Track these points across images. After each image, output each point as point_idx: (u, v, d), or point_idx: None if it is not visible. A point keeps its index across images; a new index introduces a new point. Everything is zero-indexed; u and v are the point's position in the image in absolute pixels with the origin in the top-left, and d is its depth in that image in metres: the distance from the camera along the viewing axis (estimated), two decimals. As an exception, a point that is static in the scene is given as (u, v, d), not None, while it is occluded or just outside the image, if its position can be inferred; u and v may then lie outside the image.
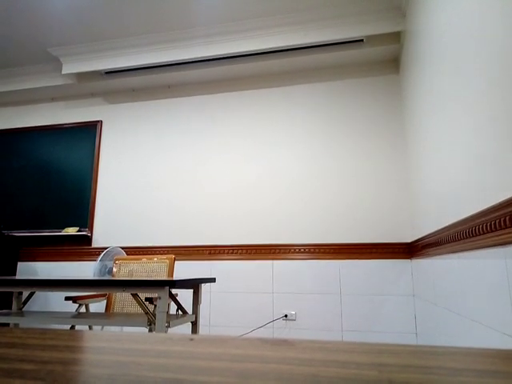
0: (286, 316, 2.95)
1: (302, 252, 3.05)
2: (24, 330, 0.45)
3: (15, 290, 2.03)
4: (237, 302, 3.08)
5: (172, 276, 2.43)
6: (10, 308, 3.14)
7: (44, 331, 0.46)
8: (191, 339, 0.41)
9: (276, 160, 3.28)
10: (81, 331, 0.46)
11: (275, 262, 3.08)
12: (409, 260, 2.86)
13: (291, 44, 3.05)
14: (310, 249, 3.05)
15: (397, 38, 2.98)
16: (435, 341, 2.20)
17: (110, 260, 3.00)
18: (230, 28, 3.14)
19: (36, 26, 3.14)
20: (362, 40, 3.00)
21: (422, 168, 2.41)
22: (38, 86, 3.72)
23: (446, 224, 1.84)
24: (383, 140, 3.12)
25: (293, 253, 3.07)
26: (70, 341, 0.41)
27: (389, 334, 2.77)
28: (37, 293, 3.45)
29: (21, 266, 3.55)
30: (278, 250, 3.10)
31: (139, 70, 3.43)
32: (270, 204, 3.21)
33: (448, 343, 1.89)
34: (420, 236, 2.52)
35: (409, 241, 2.89)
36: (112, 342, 0.40)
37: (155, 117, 3.65)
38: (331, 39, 2.99)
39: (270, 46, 3.08)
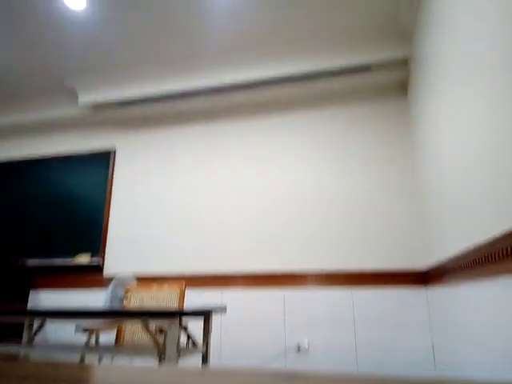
0: (298, 347, 2.87)
1: (314, 280, 3.01)
2: (37, 363, 0.46)
3: (26, 320, 2.03)
4: (248, 331, 3.01)
5: (183, 304, 2.40)
6: (21, 337, 3.12)
7: (56, 364, 0.46)
8: (202, 373, 0.41)
9: (285, 186, 3.29)
10: (92, 365, 0.46)
11: (286, 290, 3.03)
12: (424, 287, 2.79)
13: (299, 71, 3.12)
14: (322, 276, 3.00)
15: (404, 62, 3.03)
16: (455, 372, 2.11)
17: (121, 288, 2.99)
18: (238, 57, 3.25)
19: (52, 59, 3.28)
20: (369, 66, 3.06)
21: (435, 191, 2.39)
22: (53, 116, 3.85)
23: (461, 250, 1.80)
24: (393, 164, 3.12)
25: (304, 280, 3.02)
26: (82, 374, 0.41)
27: (405, 365, 2.66)
28: (48, 321, 3.44)
29: (33, 294, 3.56)
30: (289, 278, 3.06)
31: (151, 99, 3.53)
32: (281, 231, 3.19)
33: (468, 374, 1.82)
34: (435, 262, 2.47)
35: (423, 267, 2.83)
36: (123, 375, 0.40)
37: (166, 144, 3.72)
38: (339, 66, 3.06)
39: (278, 74, 3.16)
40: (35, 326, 2.18)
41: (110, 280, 3.16)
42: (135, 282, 3.04)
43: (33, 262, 3.62)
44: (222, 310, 2.11)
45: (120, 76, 3.50)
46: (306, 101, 3.48)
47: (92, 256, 3.54)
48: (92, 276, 3.51)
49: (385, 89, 3.31)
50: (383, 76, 3.15)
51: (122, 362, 2.74)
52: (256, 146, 3.48)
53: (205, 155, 3.59)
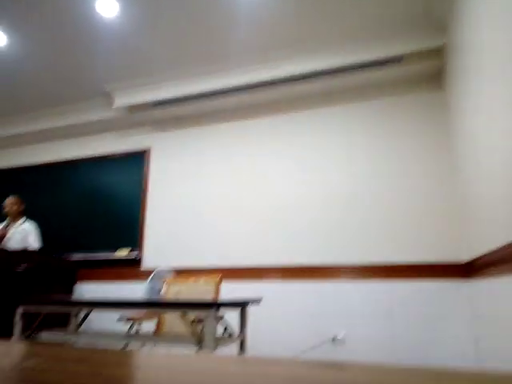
0: (334, 339, 2.86)
1: (351, 273, 2.98)
2: (86, 349, 0.49)
3: (73, 310, 2.15)
4: (283, 323, 3.03)
5: (218, 296, 2.45)
6: (65, 326, 3.30)
7: (104, 351, 0.49)
8: (243, 360, 0.42)
9: (322, 179, 3.26)
10: (137, 351, 0.48)
11: (322, 283, 3.02)
12: (464, 279, 2.69)
13: (331, 66, 3.07)
14: (358, 270, 2.96)
15: (438, 52, 2.91)
16: (498, 366, 2.03)
17: (159, 280, 3.09)
18: (269, 55, 3.23)
19: (88, 65, 3.40)
20: (401, 57, 2.95)
21: (474, 182, 2.29)
22: (91, 119, 4.01)
23: (504, 242, 1.72)
24: (431, 155, 3.01)
25: (341, 273, 3.00)
26: (128, 359, 0.43)
27: (446, 359, 2.59)
28: (92, 311, 3.62)
29: (77, 287, 3.75)
30: (324, 271, 3.04)
31: (184, 99, 3.59)
32: (318, 223, 3.18)
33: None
34: (477, 254, 2.37)
35: (464, 259, 2.73)
36: (167, 362, 0.42)
37: (199, 141, 3.78)
38: (370, 59, 2.98)
39: (310, 69, 3.12)
40: (81, 315, 2.30)
41: (148, 273, 3.27)
42: (173, 275, 3.13)
43: (76, 256, 3.81)
44: (258, 301, 2.14)
45: (154, 78, 3.58)
46: (336, 96, 3.42)
47: (131, 251, 3.67)
48: (131, 269, 3.65)
49: (418, 79, 3.19)
50: (416, 66, 3.04)
51: (162, 350, 2.84)
52: (289, 141, 3.46)
53: (237, 151, 3.61)
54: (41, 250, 3.53)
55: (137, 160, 3.97)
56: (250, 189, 3.47)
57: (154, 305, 1.74)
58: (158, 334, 2.31)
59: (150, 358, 0.45)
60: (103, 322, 3.53)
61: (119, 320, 2.19)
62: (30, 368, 0.37)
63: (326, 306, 2.96)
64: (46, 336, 2.01)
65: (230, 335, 2.05)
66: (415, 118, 3.13)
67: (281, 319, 3.05)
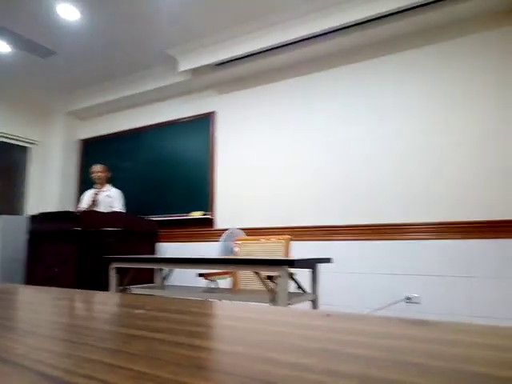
0: (408, 298, 2.81)
1: (424, 232, 2.85)
2: (181, 300, 0.54)
3: (157, 266, 2.36)
4: (354, 282, 3.05)
5: (288, 256, 2.52)
6: (153, 282, 3.64)
7: (202, 302, 0.54)
8: (328, 315, 0.44)
9: (393, 133, 3.09)
10: (219, 303, 0.52)
11: (394, 241, 2.95)
12: (559, 239, 2.44)
13: (396, 7, 2.79)
14: (433, 228, 2.83)
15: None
16: None
17: (232, 240, 3.24)
18: (329, 1, 3.02)
19: (153, 31, 3.48)
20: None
21: None
22: (159, 85, 4.15)
23: None
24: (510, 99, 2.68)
25: (414, 232, 2.89)
26: (217, 310, 0.47)
27: (534, 322, 2.43)
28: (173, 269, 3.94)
29: (158, 246, 4.09)
30: (397, 230, 2.95)
31: (246, 58, 3.56)
32: (389, 181, 3.05)
33: None
34: None
35: (559, 217, 2.47)
36: (255, 313, 0.45)
37: (264, 101, 3.75)
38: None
39: (375, 13, 2.87)
40: (165, 272, 2.52)
41: (220, 233, 3.44)
42: (244, 235, 3.26)
43: (154, 218, 4.11)
44: (329, 260, 2.16)
45: (215, 39, 3.56)
46: (402, 41, 3.13)
47: (204, 214, 3.87)
48: (204, 230, 3.87)
49: (492, 16, 2.78)
50: (489, 1, 2.65)
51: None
52: (355, 93, 3.29)
53: (303, 108, 3.53)
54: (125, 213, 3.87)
55: (203, 123, 4.07)
56: (316, 148, 3.40)
57: (230, 262, 1.85)
58: (233, 291, 2.46)
59: (244, 310, 0.48)
60: (183, 278, 3.84)
61: (199, 276, 2.37)
62: (141, 316, 0.42)
63: (400, 264, 2.90)
64: (135, 290, 2.25)
65: (303, 292, 2.12)
66: (490, 58, 2.77)
67: (353, 278, 3.06)
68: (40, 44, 3.63)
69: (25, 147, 4.92)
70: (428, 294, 2.77)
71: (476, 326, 0.35)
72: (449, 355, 0.26)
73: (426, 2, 2.72)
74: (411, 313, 2.79)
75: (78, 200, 4.33)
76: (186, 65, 3.76)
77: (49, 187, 4.87)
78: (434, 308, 2.73)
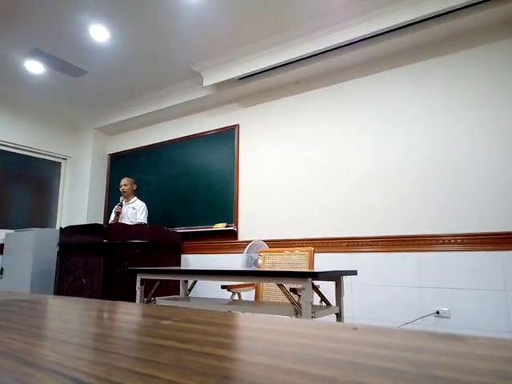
0: (437, 312, 2.72)
1: (453, 243, 2.76)
2: (206, 312, 0.55)
3: (182, 278, 2.38)
4: (380, 295, 2.97)
5: (312, 268, 2.49)
6: (177, 294, 3.67)
7: (226, 313, 0.54)
8: (354, 328, 0.43)
9: (420, 142, 3.03)
10: (243, 315, 0.52)
11: (421, 253, 2.86)
12: None
13: (426, 13, 2.77)
14: (461, 239, 2.73)
15: None
16: None
17: (255, 252, 3.24)
18: (353, 12, 3.03)
19: (177, 48, 3.59)
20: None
21: None
22: (183, 100, 4.25)
23: None
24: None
25: (441, 244, 2.80)
26: (240, 321, 0.47)
27: None
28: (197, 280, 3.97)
29: (182, 258, 4.13)
30: (423, 241, 2.87)
31: (269, 71, 3.60)
32: (415, 192, 2.99)
33: None
34: None
35: None
36: (279, 325, 0.45)
37: (287, 113, 3.77)
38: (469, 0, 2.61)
39: (403, 21, 2.86)
40: (189, 283, 2.54)
41: (243, 245, 3.45)
42: (267, 247, 3.25)
43: (179, 230, 4.16)
44: (354, 272, 2.12)
45: (238, 54, 3.63)
46: (430, 48, 3.09)
47: (227, 226, 3.90)
48: (228, 241, 3.88)
49: None
50: None
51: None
52: (384, 102, 3.26)
53: (327, 120, 3.52)
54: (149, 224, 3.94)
55: (228, 136, 4.12)
56: (342, 160, 3.38)
57: (254, 274, 1.85)
58: (256, 303, 2.45)
59: (268, 321, 0.49)
60: (207, 289, 3.86)
61: (222, 287, 2.37)
62: (167, 327, 0.43)
63: (428, 277, 2.81)
64: (160, 301, 2.27)
65: (328, 305, 2.08)
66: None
67: (379, 291, 2.98)
68: (72, 64, 3.80)
69: (57, 162, 5.12)
70: (458, 308, 2.66)
71: (510, 341, 0.34)
72: (481, 370, 0.25)
73: (454, 8, 2.69)
74: (440, 327, 2.69)
75: (109, 213, 4.45)
76: (210, 79, 3.84)
77: (79, 200, 5.03)
78: (464, 322, 2.63)
